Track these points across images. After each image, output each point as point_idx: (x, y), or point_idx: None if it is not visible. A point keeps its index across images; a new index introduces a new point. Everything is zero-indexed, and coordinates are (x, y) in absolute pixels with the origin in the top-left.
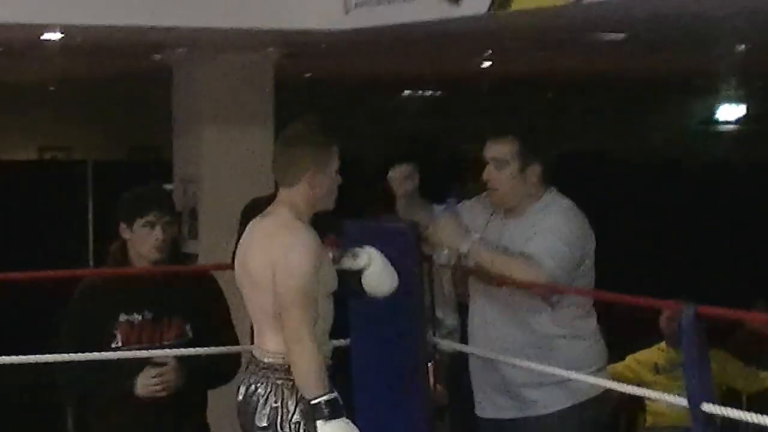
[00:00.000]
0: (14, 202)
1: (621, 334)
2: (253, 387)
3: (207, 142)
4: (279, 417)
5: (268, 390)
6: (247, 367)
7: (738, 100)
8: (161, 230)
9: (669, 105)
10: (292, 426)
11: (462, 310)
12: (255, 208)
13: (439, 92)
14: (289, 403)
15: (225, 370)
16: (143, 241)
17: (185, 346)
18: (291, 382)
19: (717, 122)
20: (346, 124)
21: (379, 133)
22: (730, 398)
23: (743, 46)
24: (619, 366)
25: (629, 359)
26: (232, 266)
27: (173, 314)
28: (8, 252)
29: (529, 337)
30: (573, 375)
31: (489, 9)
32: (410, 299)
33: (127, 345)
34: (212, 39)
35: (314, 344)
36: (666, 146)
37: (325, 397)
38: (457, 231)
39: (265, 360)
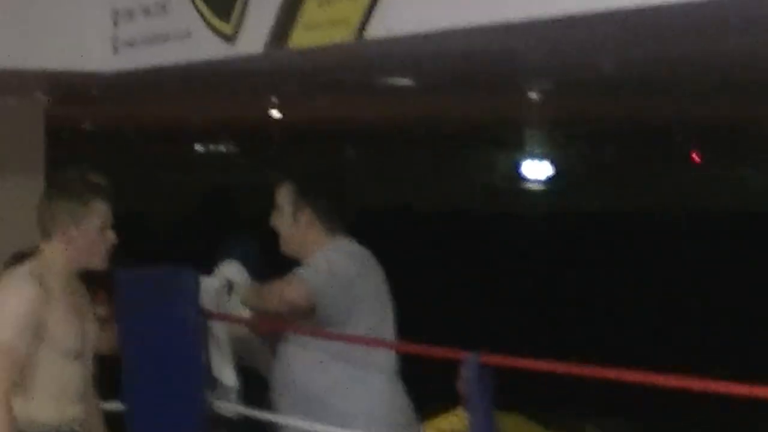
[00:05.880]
0: None
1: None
2: None
3: None
4: None
5: None
6: None
7: (539, 155)
8: None
9: (467, 157)
10: None
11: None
12: (16, 263)
13: (232, 142)
14: None
15: None
16: None
17: None
18: None
19: (518, 178)
20: (130, 177)
21: (169, 185)
22: None
23: (538, 94)
24: None
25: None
26: None
27: None
28: None
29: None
30: None
31: (266, 47)
32: (189, 356)
33: None
34: None
35: (6, 406)
36: (461, 201)
37: None
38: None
39: None
